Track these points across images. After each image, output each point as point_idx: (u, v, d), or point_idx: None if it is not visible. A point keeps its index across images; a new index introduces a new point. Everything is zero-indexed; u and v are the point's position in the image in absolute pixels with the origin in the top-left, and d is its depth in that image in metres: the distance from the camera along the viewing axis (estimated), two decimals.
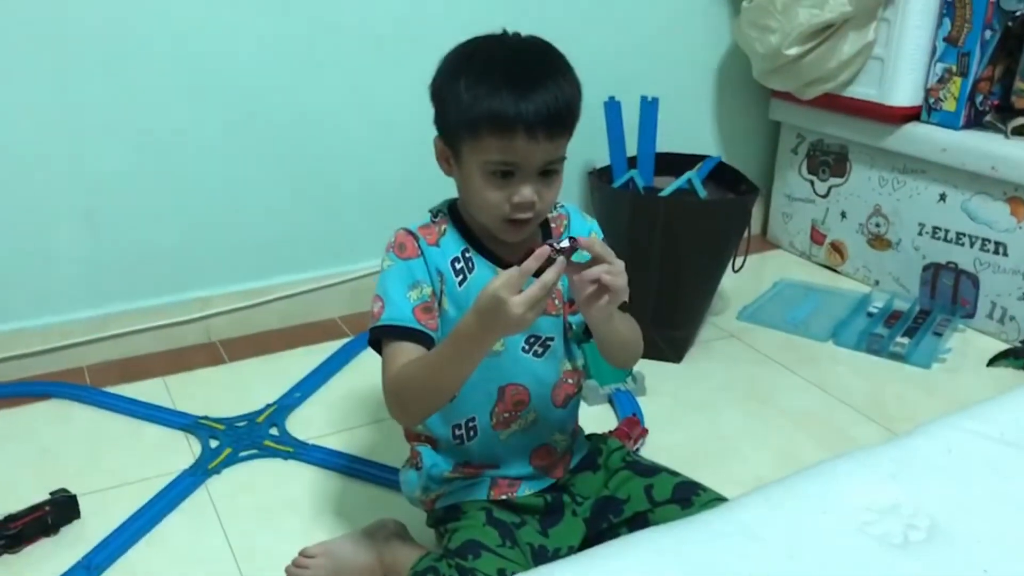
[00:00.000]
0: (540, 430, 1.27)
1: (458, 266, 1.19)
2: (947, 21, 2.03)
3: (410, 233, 1.20)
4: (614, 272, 1.05)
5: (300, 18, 1.93)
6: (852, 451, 1.03)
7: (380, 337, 1.18)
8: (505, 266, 1.07)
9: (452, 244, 1.20)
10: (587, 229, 1.27)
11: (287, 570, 1.32)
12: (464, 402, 1.22)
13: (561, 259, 1.01)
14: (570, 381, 1.28)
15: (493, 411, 1.23)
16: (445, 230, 1.20)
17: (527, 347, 1.22)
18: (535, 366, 1.23)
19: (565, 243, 1.02)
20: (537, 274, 1.01)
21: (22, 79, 1.74)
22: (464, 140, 1.12)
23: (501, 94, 1.07)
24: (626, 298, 1.08)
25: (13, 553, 1.38)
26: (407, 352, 1.15)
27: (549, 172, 1.12)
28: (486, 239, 1.19)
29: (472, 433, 1.24)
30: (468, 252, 1.19)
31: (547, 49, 1.14)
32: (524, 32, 1.16)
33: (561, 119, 1.09)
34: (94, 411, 1.78)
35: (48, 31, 1.73)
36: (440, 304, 1.18)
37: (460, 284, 1.18)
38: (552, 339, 1.24)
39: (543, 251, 1.00)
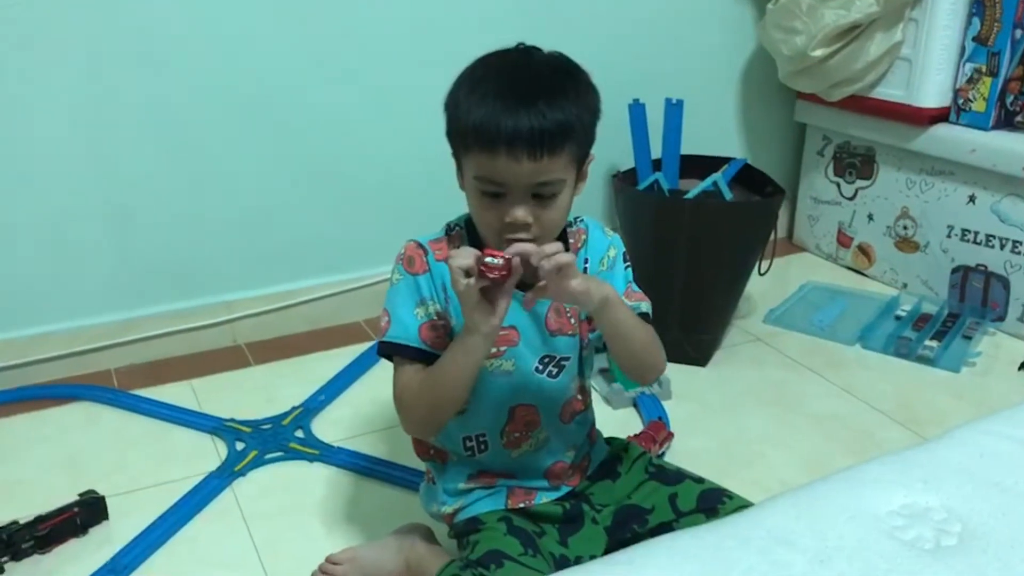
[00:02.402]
0: (552, 448, 1.26)
1: None
2: (976, 20, 2.01)
3: (420, 246, 1.19)
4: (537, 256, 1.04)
5: (328, 25, 1.94)
6: (881, 455, 1.01)
7: (388, 352, 1.18)
8: (520, 284, 1.07)
9: None
10: (606, 244, 1.25)
11: (313, 575, 1.32)
12: (474, 418, 1.22)
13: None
14: (579, 397, 1.27)
15: (504, 430, 1.23)
16: (459, 245, 1.19)
17: (541, 367, 1.21)
18: (548, 386, 1.22)
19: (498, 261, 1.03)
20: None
21: (52, 84, 1.76)
22: (460, 153, 1.12)
23: (488, 108, 1.04)
24: (565, 276, 1.05)
25: (43, 554, 1.40)
26: (414, 371, 1.16)
27: (545, 195, 1.08)
28: None
29: (483, 447, 1.24)
30: None
31: (556, 66, 1.11)
32: (549, 36, 1.15)
33: (545, 140, 1.03)
34: (121, 414, 1.80)
35: (77, 37, 1.75)
36: (448, 321, 1.18)
37: None
38: (568, 359, 1.22)
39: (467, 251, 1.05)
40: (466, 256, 1.03)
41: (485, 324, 1.06)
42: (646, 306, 1.24)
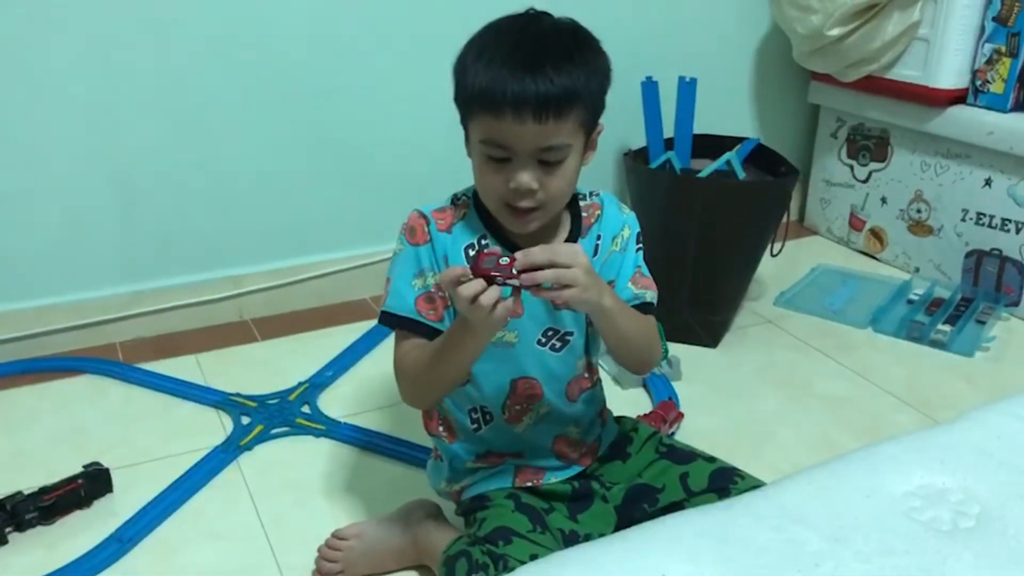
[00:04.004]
0: (554, 421, 1.24)
1: (472, 253, 1.16)
2: (996, 0, 1.97)
3: (423, 216, 1.18)
4: (560, 279, 1.01)
5: None
6: (897, 436, 1.00)
7: (387, 322, 1.18)
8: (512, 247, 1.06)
9: (468, 230, 1.17)
10: (621, 222, 1.22)
11: (320, 551, 1.31)
12: (478, 390, 1.21)
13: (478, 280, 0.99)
14: (585, 375, 1.25)
15: (505, 404, 1.21)
16: (464, 215, 1.18)
17: (544, 340, 1.19)
18: (551, 360, 1.20)
19: (505, 260, 0.99)
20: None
21: (56, 56, 1.74)
22: (466, 117, 1.10)
23: (495, 70, 1.03)
24: (585, 299, 1.03)
25: (47, 525, 1.39)
26: (409, 341, 1.16)
27: (551, 161, 1.07)
28: (506, 228, 1.16)
29: (488, 418, 1.23)
30: (485, 239, 1.16)
31: (565, 32, 1.09)
32: (562, 11, 1.13)
33: (551, 103, 1.02)
34: (127, 387, 1.79)
35: (86, 10, 1.73)
36: (446, 292, 1.16)
37: None
38: (572, 334, 1.20)
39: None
40: (469, 281, 1.00)
41: (492, 331, 1.05)
42: (651, 295, 1.22)
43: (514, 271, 0.99)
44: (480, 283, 0.98)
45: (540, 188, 1.07)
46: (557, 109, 1.03)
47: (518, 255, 1.00)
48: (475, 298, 0.98)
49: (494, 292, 0.99)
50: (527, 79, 1.02)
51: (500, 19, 1.11)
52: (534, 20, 1.10)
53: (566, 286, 1.01)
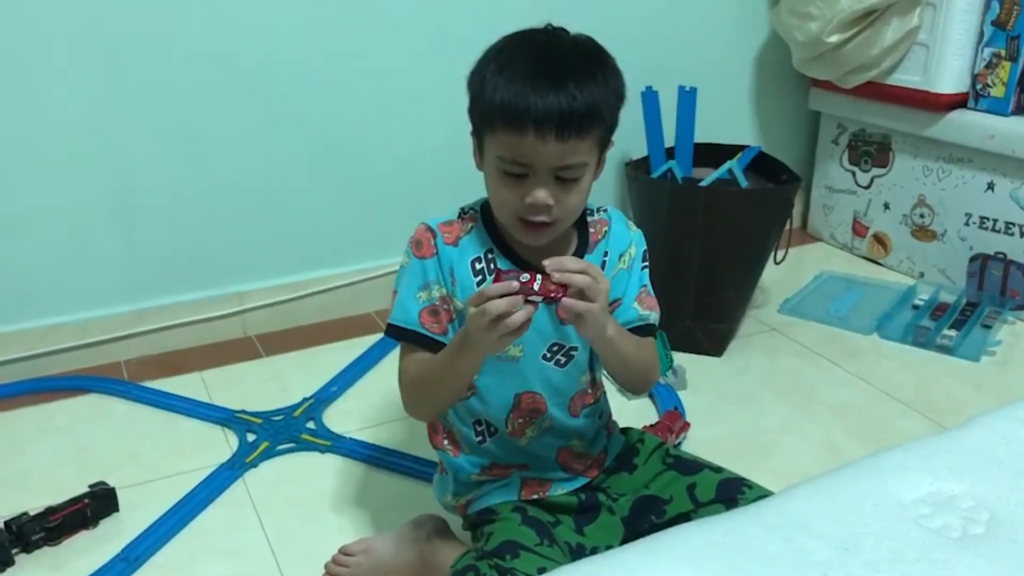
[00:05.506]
0: (557, 434, 1.24)
1: (478, 266, 1.16)
2: (995, 4, 1.98)
3: (429, 229, 1.18)
4: (588, 290, 1.02)
5: (338, 10, 1.92)
6: (905, 443, 0.99)
7: (392, 334, 1.19)
8: (527, 269, 1.05)
9: (475, 244, 1.17)
10: (628, 240, 1.22)
11: (327, 567, 1.31)
12: (482, 403, 1.20)
13: (518, 297, 0.99)
14: (589, 391, 1.25)
15: (508, 418, 1.21)
16: (471, 228, 1.18)
17: (549, 355, 1.19)
18: (555, 375, 1.20)
19: (535, 284, 0.99)
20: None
21: (57, 75, 1.75)
22: (483, 132, 1.10)
23: (517, 87, 1.03)
24: (598, 319, 1.03)
25: (53, 545, 1.39)
26: (415, 358, 1.17)
27: (568, 178, 1.07)
28: (514, 241, 1.16)
29: (493, 431, 1.23)
30: (492, 253, 1.16)
31: (584, 49, 1.09)
32: (560, 22, 1.13)
33: (575, 122, 1.03)
34: (132, 405, 1.79)
35: (84, 27, 1.74)
36: (453, 305, 1.16)
37: (479, 285, 1.15)
38: (576, 349, 1.20)
39: (508, 286, 0.99)
40: (502, 296, 1.00)
41: (498, 348, 1.07)
42: (655, 317, 1.22)
43: (535, 287, 0.99)
44: (506, 301, 0.99)
45: (556, 204, 1.07)
46: (579, 127, 1.04)
47: (548, 262, 1.00)
48: (501, 316, 0.99)
49: (503, 303, 0.99)
50: (551, 96, 1.02)
51: (517, 33, 1.11)
52: (553, 36, 1.10)
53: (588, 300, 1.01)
